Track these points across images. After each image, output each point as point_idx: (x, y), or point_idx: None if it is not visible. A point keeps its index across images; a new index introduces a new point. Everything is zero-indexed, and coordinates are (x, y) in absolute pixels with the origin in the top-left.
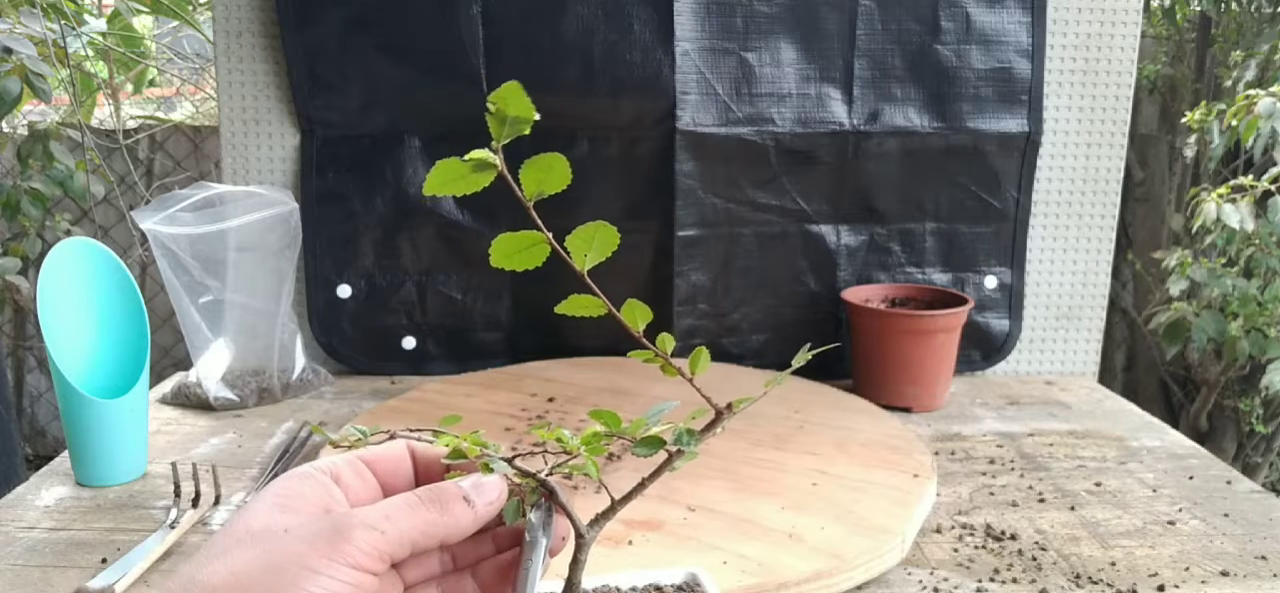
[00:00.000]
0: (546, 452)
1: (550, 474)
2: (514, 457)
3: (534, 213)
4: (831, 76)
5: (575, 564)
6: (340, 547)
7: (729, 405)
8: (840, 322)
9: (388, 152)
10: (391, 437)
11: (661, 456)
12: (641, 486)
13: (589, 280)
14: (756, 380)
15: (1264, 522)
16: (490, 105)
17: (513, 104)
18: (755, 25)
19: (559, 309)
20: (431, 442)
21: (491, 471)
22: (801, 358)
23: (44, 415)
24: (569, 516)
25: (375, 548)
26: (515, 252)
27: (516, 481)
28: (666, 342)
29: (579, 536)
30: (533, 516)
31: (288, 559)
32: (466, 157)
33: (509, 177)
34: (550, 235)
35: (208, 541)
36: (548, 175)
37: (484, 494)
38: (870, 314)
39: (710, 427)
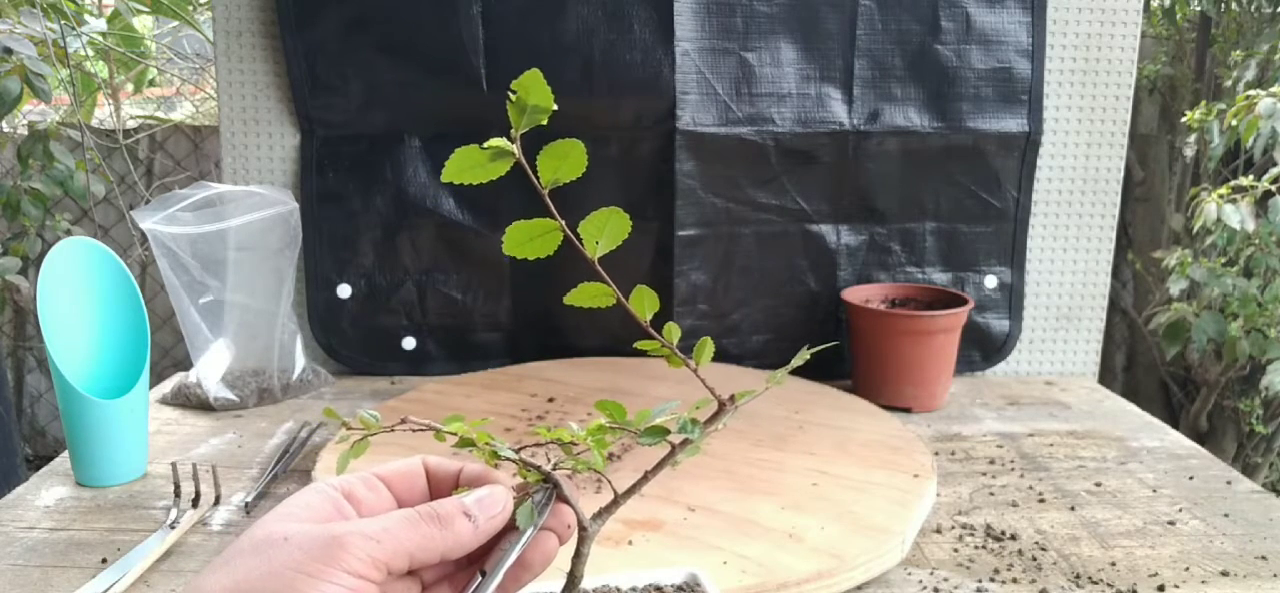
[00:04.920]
0: (549, 447)
1: (554, 468)
2: (521, 449)
3: (548, 200)
4: (831, 76)
5: (577, 558)
6: (337, 555)
7: (732, 397)
8: (840, 322)
9: (388, 152)
10: (403, 421)
11: (665, 448)
12: (645, 478)
13: (600, 269)
14: (757, 380)
15: (1264, 522)
16: (511, 93)
17: (534, 93)
18: (755, 25)
19: (569, 299)
20: (435, 428)
21: (498, 458)
22: (801, 357)
23: (44, 415)
24: (573, 507)
25: (371, 558)
26: (528, 240)
27: (521, 477)
28: (673, 331)
29: (582, 528)
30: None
31: (286, 567)
32: (485, 145)
33: (526, 164)
34: (563, 223)
35: (218, 553)
36: (564, 162)
37: (487, 509)
38: (870, 314)
39: (714, 417)
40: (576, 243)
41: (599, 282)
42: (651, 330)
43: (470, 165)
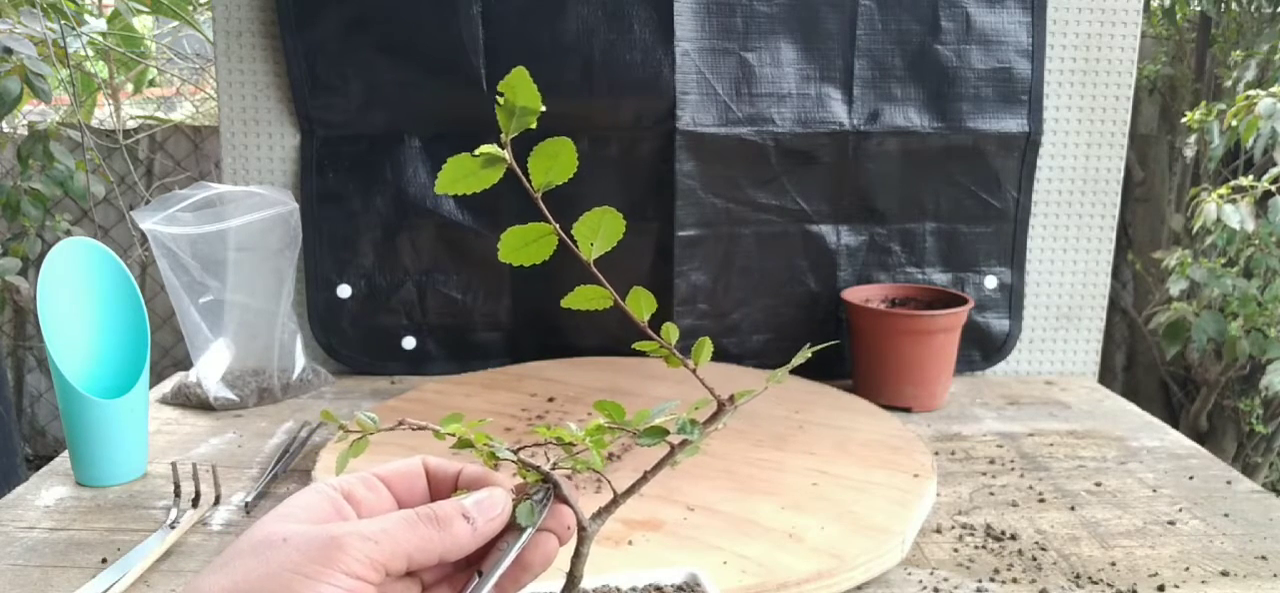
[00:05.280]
0: (548, 447)
1: (553, 469)
2: (520, 449)
3: (542, 204)
4: (831, 76)
5: (577, 558)
6: (335, 556)
7: (732, 397)
8: (840, 322)
9: (388, 151)
10: (401, 423)
11: (664, 448)
12: (645, 478)
13: (596, 271)
14: (757, 381)
15: (1264, 522)
16: (499, 96)
17: (521, 93)
18: (755, 25)
19: (566, 303)
20: (434, 429)
21: (496, 459)
22: (802, 356)
23: (44, 415)
24: (572, 507)
25: (369, 559)
26: (523, 245)
27: (520, 477)
28: (671, 331)
29: (582, 528)
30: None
31: (284, 568)
32: (477, 152)
33: (517, 168)
34: (557, 227)
35: (218, 553)
36: (554, 163)
37: (486, 511)
38: (870, 314)
39: (713, 418)
40: (571, 245)
41: (595, 284)
42: (649, 332)
43: (464, 174)
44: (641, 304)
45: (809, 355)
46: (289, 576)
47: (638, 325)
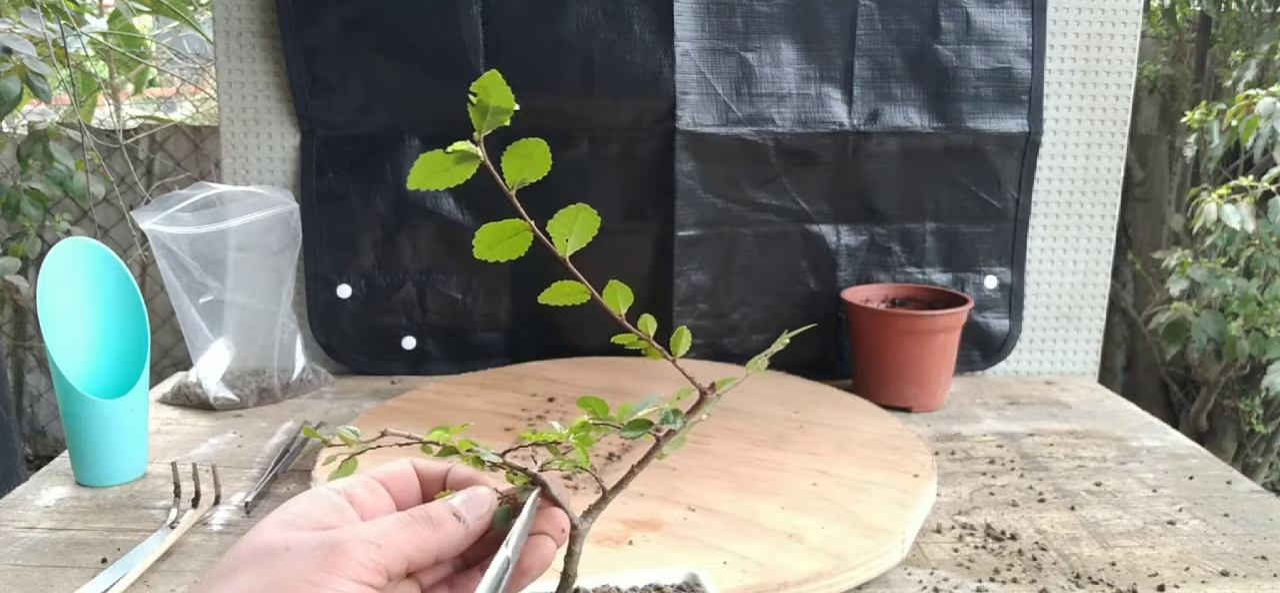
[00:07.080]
0: (537, 450)
1: (543, 470)
2: (506, 452)
3: (516, 200)
4: (831, 76)
5: (570, 557)
6: (339, 561)
7: (713, 385)
8: (840, 322)
9: (388, 152)
10: (383, 435)
11: (650, 440)
12: (632, 473)
13: (571, 266)
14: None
15: (1264, 522)
16: (471, 96)
17: (494, 94)
18: (755, 25)
19: (543, 298)
20: (418, 440)
21: (483, 462)
22: (781, 343)
23: (44, 415)
24: (562, 507)
25: (372, 562)
26: (498, 242)
27: (508, 482)
28: (648, 323)
29: (573, 527)
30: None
31: (290, 576)
32: (449, 149)
33: (491, 166)
34: (532, 223)
35: (216, 560)
36: (528, 162)
37: (474, 509)
38: (870, 314)
39: (696, 408)
40: (546, 242)
41: (571, 279)
42: (626, 324)
43: (436, 170)
44: (618, 297)
45: (787, 342)
46: (294, 583)
47: (615, 319)
